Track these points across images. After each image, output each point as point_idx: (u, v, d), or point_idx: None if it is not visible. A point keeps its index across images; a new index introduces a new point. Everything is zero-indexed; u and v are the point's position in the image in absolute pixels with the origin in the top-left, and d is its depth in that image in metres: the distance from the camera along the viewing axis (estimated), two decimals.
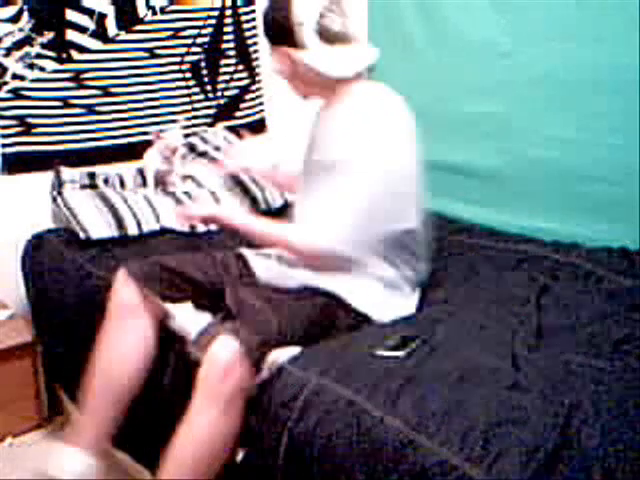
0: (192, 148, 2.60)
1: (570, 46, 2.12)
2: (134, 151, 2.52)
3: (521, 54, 2.24)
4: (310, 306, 1.63)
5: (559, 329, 1.61)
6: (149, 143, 2.38)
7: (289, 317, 1.56)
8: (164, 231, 2.30)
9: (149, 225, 2.28)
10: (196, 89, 2.67)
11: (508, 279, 1.91)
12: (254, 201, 2.47)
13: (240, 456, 1.49)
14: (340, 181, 1.59)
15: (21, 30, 2.22)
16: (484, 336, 1.58)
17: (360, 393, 1.35)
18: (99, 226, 2.19)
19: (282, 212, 2.31)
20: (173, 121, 2.58)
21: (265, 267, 1.79)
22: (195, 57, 2.64)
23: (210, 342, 1.45)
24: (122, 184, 2.44)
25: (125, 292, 1.70)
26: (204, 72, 2.68)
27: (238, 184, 2.49)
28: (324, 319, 1.63)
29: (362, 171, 1.58)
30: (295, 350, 1.53)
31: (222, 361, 1.41)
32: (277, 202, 2.49)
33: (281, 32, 1.64)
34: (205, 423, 1.44)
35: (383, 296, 1.70)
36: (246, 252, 1.85)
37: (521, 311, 1.71)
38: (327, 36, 1.62)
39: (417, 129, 1.69)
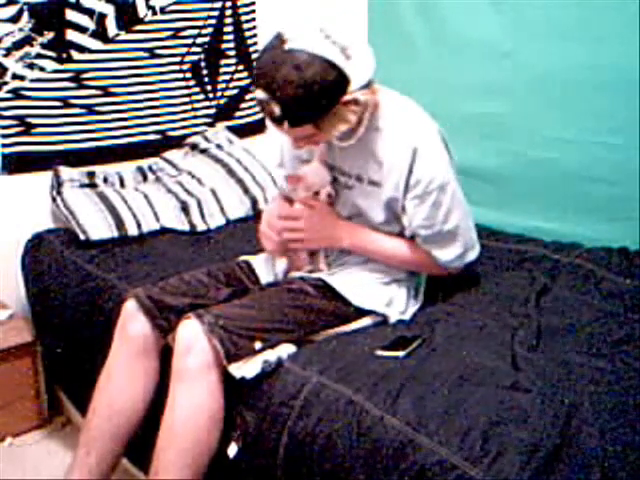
0: (194, 146, 2.61)
1: (570, 46, 2.12)
2: (134, 151, 2.52)
3: (521, 54, 2.24)
4: (298, 293, 1.62)
5: (559, 329, 1.61)
6: (150, 143, 2.34)
7: (268, 301, 1.58)
8: (164, 231, 2.31)
9: (149, 225, 2.29)
10: (196, 89, 2.67)
11: (508, 279, 1.91)
12: (254, 201, 2.47)
13: (233, 451, 1.49)
14: (449, 198, 1.61)
15: (21, 30, 2.22)
16: (484, 336, 1.58)
17: (360, 392, 1.35)
18: (99, 227, 2.19)
19: None
20: (173, 121, 2.58)
21: (269, 269, 1.79)
22: (195, 57, 2.64)
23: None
24: (122, 183, 2.44)
25: (136, 326, 1.61)
26: (204, 72, 2.68)
27: (238, 182, 2.49)
28: (322, 307, 1.62)
29: (456, 185, 1.64)
30: (291, 348, 1.53)
31: (184, 338, 1.47)
32: None
33: (335, 92, 1.42)
34: (177, 398, 1.46)
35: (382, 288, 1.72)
36: (250, 259, 1.83)
37: (521, 311, 1.71)
38: (346, 55, 1.42)
39: None
